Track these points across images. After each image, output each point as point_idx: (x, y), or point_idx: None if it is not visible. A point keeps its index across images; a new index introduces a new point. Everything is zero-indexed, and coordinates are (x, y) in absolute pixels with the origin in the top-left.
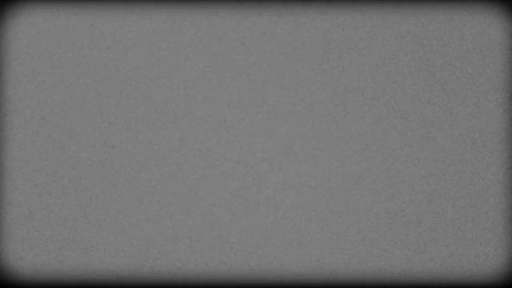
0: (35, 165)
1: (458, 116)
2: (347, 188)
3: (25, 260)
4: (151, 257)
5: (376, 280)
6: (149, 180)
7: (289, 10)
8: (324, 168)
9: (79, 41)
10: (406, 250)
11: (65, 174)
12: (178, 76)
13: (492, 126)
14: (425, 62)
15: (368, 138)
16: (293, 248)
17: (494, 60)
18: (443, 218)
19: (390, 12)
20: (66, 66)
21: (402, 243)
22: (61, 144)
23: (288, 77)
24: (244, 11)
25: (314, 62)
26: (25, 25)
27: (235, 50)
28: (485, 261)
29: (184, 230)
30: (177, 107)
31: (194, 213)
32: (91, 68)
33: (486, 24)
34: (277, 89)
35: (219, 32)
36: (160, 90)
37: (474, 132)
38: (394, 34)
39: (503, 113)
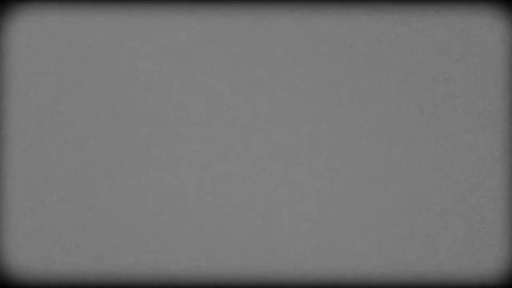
0: (35, 165)
1: (458, 117)
2: (347, 189)
3: (25, 260)
4: (151, 257)
5: (377, 280)
6: (149, 181)
7: (290, 11)
8: (324, 169)
9: (79, 41)
10: (407, 250)
11: (65, 175)
12: (178, 76)
13: (492, 126)
14: (424, 62)
15: (368, 139)
16: (292, 248)
17: (494, 60)
18: (443, 219)
19: (391, 13)
20: (66, 66)
21: (403, 244)
22: (61, 144)
23: (289, 78)
24: (244, 12)
25: (314, 63)
26: (25, 25)
27: (235, 51)
28: (485, 261)
29: (184, 230)
30: (177, 107)
31: (194, 214)
32: (91, 68)
33: (486, 24)
34: (277, 89)
35: (218, 33)
36: (160, 90)
37: (474, 132)
38: (394, 35)
39: (503, 113)
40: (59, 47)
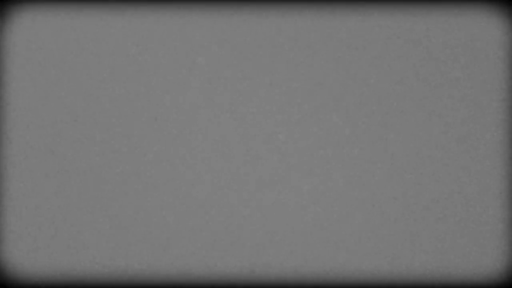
0: (35, 166)
1: (458, 116)
2: (346, 189)
3: (25, 260)
4: (151, 257)
5: (376, 280)
6: (149, 181)
7: (289, 11)
8: (323, 169)
9: (79, 41)
10: (406, 250)
11: (65, 174)
12: (178, 76)
13: (492, 126)
14: (424, 62)
15: (368, 139)
16: (292, 248)
17: (494, 60)
18: (443, 218)
19: (390, 13)
20: (66, 66)
21: (402, 243)
22: (61, 144)
23: (288, 78)
24: (243, 12)
25: (313, 64)
26: (25, 25)
27: (234, 52)
28: (485, 261)
29: (184, 230)
30: (177, 108)
31: (194, 214)
32: (91, 68)
33: (486, 24)
34: (276, 90)
35: (218, 33)
36: (161, 89)
37: (474, 132)
38: (393, 35)
39: (503, 113)
40: (59, 47)
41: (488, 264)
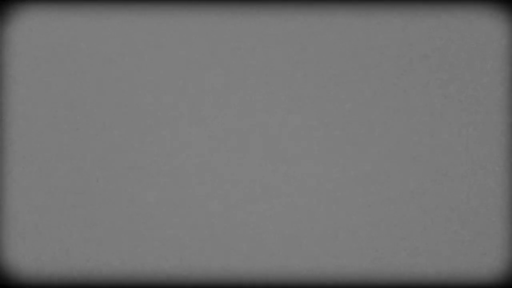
0: (35, 165)
1: (458, 116)
2: (347, 189)
3: (25, 260)
4: (151, 257)
5: (376, 280)
6: (149, 181)
7: (288, 11)
8: (324, 169)
9: (79, 41)
10: (406, 250)
11: (65, 175)
12: (178, 76)
13: (492, 126)
14: (424, 62)
15: (368, 139)
16: (292, 248)
17: (494, 60)
18: (443, 219)
19: (390, 13)
20: (66, 66)
21: (402, 244)
22: (61, 144)
23: (287, 78)
24: (243, 12)
25: (313, 64)
26: (25, 25)
27: (234, 51)
28: (485, 261)
29: (184, 231)
30: (177, 107)
31: (194, 214)
32: (91, 68)
33: (486, 24)
34: (276, 89)
35: (218, 33)
36: (160, 90)
37: (474, 132)
38: (393, 35)
39: (503, 113)
40: (59, 47)
41: (488, 264)
